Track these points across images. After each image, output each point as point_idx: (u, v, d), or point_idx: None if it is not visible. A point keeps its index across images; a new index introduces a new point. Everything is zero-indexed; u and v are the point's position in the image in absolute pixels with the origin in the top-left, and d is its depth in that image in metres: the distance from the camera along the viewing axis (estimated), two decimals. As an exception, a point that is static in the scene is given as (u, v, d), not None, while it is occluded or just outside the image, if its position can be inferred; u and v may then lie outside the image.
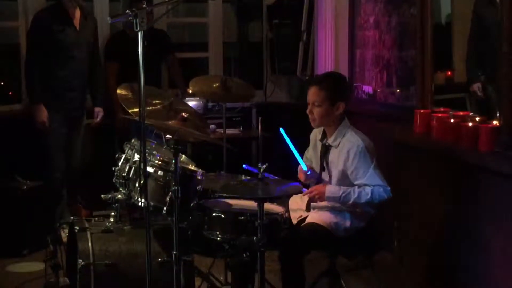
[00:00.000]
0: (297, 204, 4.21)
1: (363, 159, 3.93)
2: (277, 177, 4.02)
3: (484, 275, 3.91)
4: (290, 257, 3.90)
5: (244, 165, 4.21)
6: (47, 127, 5.64)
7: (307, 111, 4.08)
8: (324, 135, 4.13)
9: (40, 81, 5.64)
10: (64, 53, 5.66)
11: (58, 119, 5.70)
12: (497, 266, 3.80)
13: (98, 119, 5.97)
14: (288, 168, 4.24)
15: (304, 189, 4.05)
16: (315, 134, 4.25)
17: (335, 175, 4.03)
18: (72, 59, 5.69)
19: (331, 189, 3.98)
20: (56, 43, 5.62)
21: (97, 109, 5.97)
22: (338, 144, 4.03)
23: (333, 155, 4.06)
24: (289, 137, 4.08)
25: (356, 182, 3.95)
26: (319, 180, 4.13)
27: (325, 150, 4.10)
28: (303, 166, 4.12)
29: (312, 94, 4.05)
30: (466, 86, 4.76)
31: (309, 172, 4.11)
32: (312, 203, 4.10)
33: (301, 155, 4.18)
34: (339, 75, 4.36)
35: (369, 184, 3.90)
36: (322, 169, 4.12)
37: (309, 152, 4.32)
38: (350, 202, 3.92)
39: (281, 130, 4.09)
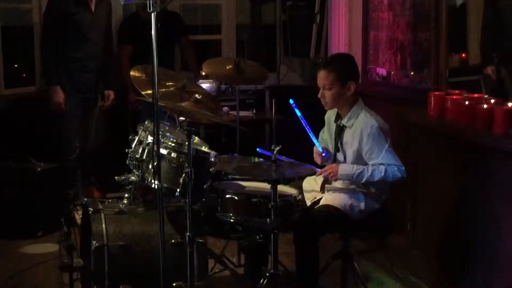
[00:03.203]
0: (311, 186, 4.20)
1: (377, 139, 3.91)
2: (290, 160, 4.02)
3: (498, 257, 3.90)
4: (305, 239, 3.90)
5: (258, 149, 4.21)
6: (63, 109, 5.65)
7: (319, 95, 4.06)
8: (338, 116, 4.12)
9: (56, 62, 5.65)
10: (80, 35, 5.67)
11: (72, 101, 5.71)
12: (510, 247, 3.79)
13: (109, 102, 5.98)
14: (302, 150, 4.24)
15: (317, 169, 4.05)
16: (330, 115, 4.24)
17: (350, 155, 4.03)
18: (87, 41, 5.70)
19: (345, 167, 3.97)
20: (72, 25, 5.63)
21: (107, 92, 5.98)
22: (352, 125, 4.02)
23: (347, 136, 4.05)
24: (301, 115, 4.05)
25: (370, 162, 3.94)
26: (333, 161, 4.12)
27: (339, 130, 4.09)
28: (317, 145, 4.11)
29: (321, 77, 4.04)
30: (480, 68, 4.74)
31: (324, 153, 4.11)
32: (326, 185, 4.10)
33: (315, 134, 4.16)
34: (346, 56, 4.35)
35: (384, 163, 3.89)
36: (337, 149, 4.11)
37: (324, 133, 4.31)
38: (363, 180, 3.91)
39: (291, 102, 4.05)
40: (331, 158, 4.13)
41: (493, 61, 4.66)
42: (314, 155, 4.18)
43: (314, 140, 4.12)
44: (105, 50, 5.89)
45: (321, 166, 4.14)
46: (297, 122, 4.08)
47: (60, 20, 5.61)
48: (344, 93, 4.01)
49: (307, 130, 4.07)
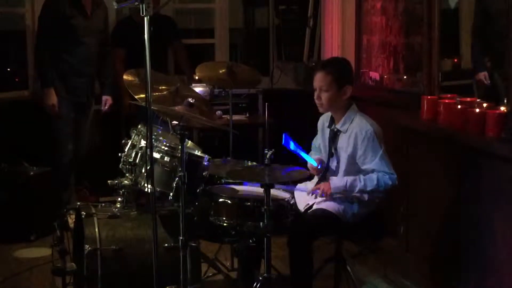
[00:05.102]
0: (303, 197, 4.17)
1: (371, 144, 3.92)
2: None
3: (490, 260, 3.91)
4: (299, 243, 3.90)
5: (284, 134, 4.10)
6: (57, 111, 5.64)
7: (315, 97, 4.07)
8: (332, 121, 4.13)
9: (50, 65, 5.64)
10: (75, 39, 5.66)
11: (66, 104, 5.71)
12: (502, 251, 3.80)
13: (106, 107, 5.96)
14: (294, 154, 4.24)
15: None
16: (323, 121, 4.24)
17: (344, 160, 4.03)
18: (82, 45, 5.69)
19: (336, 182, 3.97)
20: (67, 29, 5.62)
21: (105, 97, 5.96)
22: (347, 130, 4.02)
23: (342, 141, 4.05)
24: (295, 127, 4.05)
25: (363, 167, 3.95)
26: (327, 166, 4.12)
27: (334, 135, 4.10)
28: (313, 163, 4.11)
29: (319, 79, 4.04)
30: (472, 73, 4.75)
31: (319, 166, 4.11)
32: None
33: (307, 152, 4.16)
34: (343, 59, 4.37)
35: (376, 170, 3.90)
36: (330, 155, 4.11)
37: (317, 141, 4.31)
38: (356, 190, 3.92)
39: (284, 136, 4.05)
40: (325, 167, 4.13)
41: (485, 66, 4.66)
42: (310, 170, 4.17)
43: (308, 159, 4.11)
44: (101, 54, 5.88)
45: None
46: (291, 126, 4.08)
47: (56, 23, 5.60)
48: (340, 96, 4.02)
49: (301, 155, 4.07)
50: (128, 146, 4.12)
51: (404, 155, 4.68)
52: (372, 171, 3.92)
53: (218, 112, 5.96)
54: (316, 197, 4.09)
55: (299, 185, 4.22)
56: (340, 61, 4.28)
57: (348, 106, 4.06)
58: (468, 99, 4.34)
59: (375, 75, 5.59)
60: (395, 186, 3.94)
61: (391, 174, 3.92)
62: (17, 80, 6.85)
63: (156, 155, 3.89)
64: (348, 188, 3.93)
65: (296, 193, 4.19)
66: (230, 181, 4.24)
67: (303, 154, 4.09)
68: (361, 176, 3.93)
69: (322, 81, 4.02)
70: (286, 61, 6.98)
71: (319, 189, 4.00)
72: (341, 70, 4.08)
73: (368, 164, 3.93)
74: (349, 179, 3.94)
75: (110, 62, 6.01)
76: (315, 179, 4.18)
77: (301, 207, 4.13)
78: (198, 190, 3.98)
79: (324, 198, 4.03)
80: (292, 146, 4.01)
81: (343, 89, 4.01)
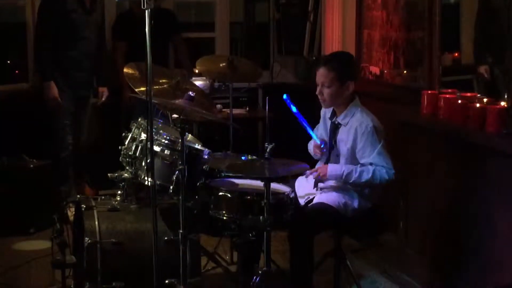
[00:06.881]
0: (304, 189, 4.19)
1: (371, 138, 3.92)
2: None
3: (490, 255, 3.91)
4: (300, 238, 3.90)
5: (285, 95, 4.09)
6: (59, 104, 5.64)
7: (317, 93, 4.06)
8: (334, 114, 4.12)
9: (50, 59, 5.64)
10: (75, 33, 5.66)
11: (66, 98, 5.70)
12: (503, 246, 3.80)
13: (103, 98, 5.97)
14: (295, 148, 4.24)
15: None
16: (325, 112, 4.23)
17: (344, 153, 4.03)
18: (82, 39, 5.69)
19: (334, 168, 3.98)
20: (67, 23, 5.62)
21: (101, 89, 5.98)
22: (347, 123, 4.02)
23: (342, 134, 4.05)
24: (295, 121, 4.04)
25: (361, 161, 3.95)
26: (328, 156, 4.12)
27: (335, 128, 4.10)
28: (314, 138, 4.11)
29: (321, 75, 4.03)
30: (473, 67, 4.74)
31: (322, 145, 4.11)
32: (320, 184, 4.10)
33: (312, 129, 4.17)
34: (346, 54, 4.36)
35: (373, 164, 3.90)
36: (331, 147, 4.12)
37: (318, 130, 4.31)
38: (351, 180, 3.93)
39: (285, 97, 4.03)
40: (328, 148, 4.13)
41: (487, 60, 4.66)
42: (312, 148, 4.18)
43: (311, 134, 4.12)
44: (98, 47, 5.88)
45: (316, 161, 4.15)
46: (291, 120, 4.08)
47: (55, 17, 5.60)
48: (343, 92, 4.01)
49: (303, 124, 4.07)
50: (128, 139, 4.12)
51: (404, 150, 4.68)
52: (370, 164, 3.92)
53: (218, 106, 5.95)
54: (317, 189, 4.09)
55: (299, 178, 4.23)
56: (343, 56, 4.25)
57: (351, 100, 4.06)
58: (469, 94, 4.34)
59: (375, 69, 5.58)
60: (392, 181, 3.93)
61: (389, 169, 3.91)
62: (17, 72, 6.84)
63: (157, 148, 3.89)
64: (344, 177, 3.93)
65: (297, 189, 4.20)
66: (230, 174, 4.24)
67: (308, 129, 4.09)
68: (358, 167, 3.93)
69: (325, 77, 4.01)
70: (286, 55, 6.98)
71: (316, 171, 4.00)
72: (344, 65, 4.06)
73: (366, 158, 3.93)
74: (347, 168, 3.94)
75: (105, 54, 6.01)
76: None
77: (302, 200, 4.13)
78: (198, 184, 3.98)
79: (324, 191, 4.03)
80: (294, 109, 4.00)
81: (345, 85, 4.00)
